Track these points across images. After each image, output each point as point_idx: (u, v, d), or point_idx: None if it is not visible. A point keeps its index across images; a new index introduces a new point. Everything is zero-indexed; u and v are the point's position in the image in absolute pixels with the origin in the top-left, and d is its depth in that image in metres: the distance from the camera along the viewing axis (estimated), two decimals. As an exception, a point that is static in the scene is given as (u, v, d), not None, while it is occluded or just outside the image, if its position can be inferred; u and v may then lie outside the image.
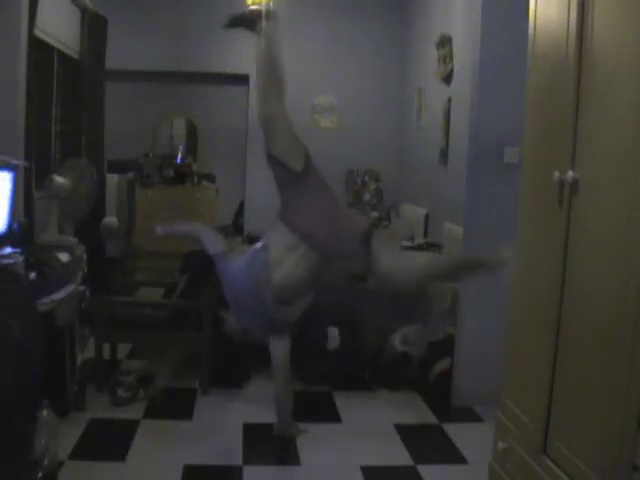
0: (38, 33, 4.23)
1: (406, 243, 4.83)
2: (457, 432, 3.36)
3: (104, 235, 5.07)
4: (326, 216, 3.13)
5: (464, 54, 4.28)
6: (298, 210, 3.14)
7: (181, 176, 6.21)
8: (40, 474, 2.47)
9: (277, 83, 3.17)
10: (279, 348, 3.22)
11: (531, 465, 2.19)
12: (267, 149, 3.15)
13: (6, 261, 3.07)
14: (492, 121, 3.48)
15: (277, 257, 3.07)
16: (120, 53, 5.75)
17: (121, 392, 3.51)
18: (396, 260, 3.22)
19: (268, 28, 3.21)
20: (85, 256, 3.92)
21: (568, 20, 2.06)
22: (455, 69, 4.70)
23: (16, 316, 2.52)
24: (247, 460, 3.00)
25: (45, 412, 2.61)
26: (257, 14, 5.43)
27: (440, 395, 3.73)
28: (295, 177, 3.12)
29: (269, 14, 3.24)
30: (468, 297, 3.64)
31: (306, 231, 3.08)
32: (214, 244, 3.33)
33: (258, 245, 3.17)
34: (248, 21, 3.29)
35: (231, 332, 3.49)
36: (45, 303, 2.94)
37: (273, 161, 3.15)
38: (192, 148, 6.70)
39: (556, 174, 2.07)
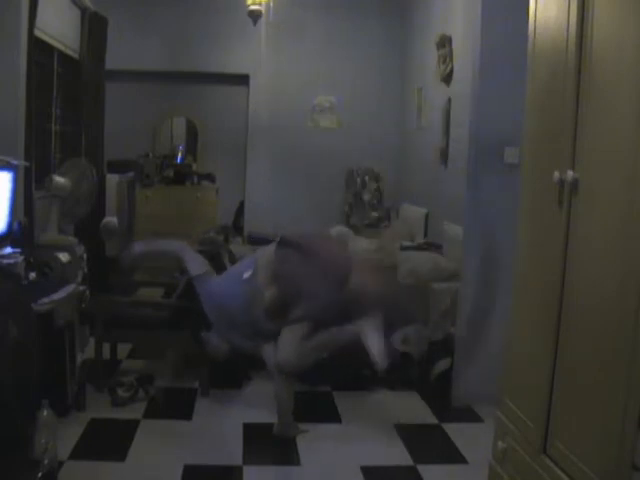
0: (38, 33, 4.23)
1: (406, 243, 4.84)
2: (457, 432, 3.35)
3: (104, 235, 5.07)
4: (307, 279, 3.15)
5: (464, 54, 4.28)
6: (291, 265, 3.20)
7: (181, 176, 6.21)
8: (40, 474, 2.48)
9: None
10: (272, 353, 3.23)
11: (531, 465, 2.19)
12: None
13: (6, 261, 3.08)
14: (492, 121, 3.48)
15: (265, 279, 3.17)
16: (120, 53, 5.76)
17: (121, 392, 3.50)
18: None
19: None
20: (85, 256, 3.92)
21: (568, 20, 2.06)
22: (455, 69, 4.70)
23: (14, 316, 2.52)
24: (247, 460, 3.00)
25: (45, 412, 2.61)
26: (257, 14, 5.45)
27: (440, 395, 3.73)
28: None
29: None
30: (468, 297, 3.64)
31: (283, 281, 3.16)
32: (196, 265, 3.39)
33: (247, 275, 3.21)
34: None
35: (214, 353, 3.51)
36: (45, 303, 2.94)
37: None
38: (192, 148, 6.71)
39: (556, 174, 2.07)
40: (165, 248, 3.56)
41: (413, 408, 3.67)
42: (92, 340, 3.78)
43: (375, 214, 5.97)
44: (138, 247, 3.52)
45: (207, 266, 3.45)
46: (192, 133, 6.76)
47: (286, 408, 3.23)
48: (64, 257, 3.58)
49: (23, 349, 2.55)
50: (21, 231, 3.55)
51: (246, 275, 3.24)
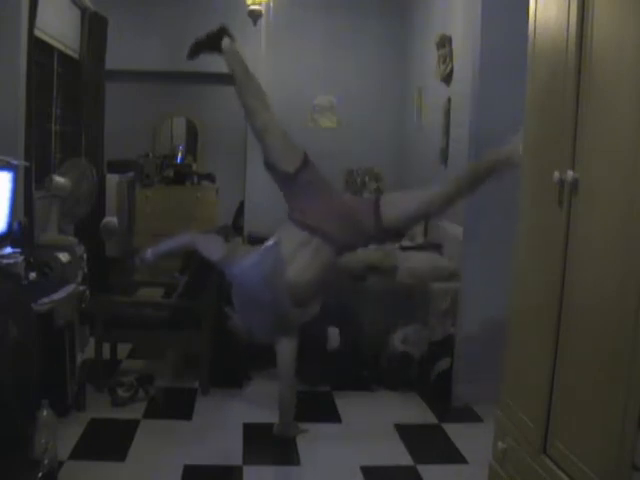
0: (38, 33, 4.23)
1: (406, 243, 4.84)
2: (457, 432, 3.35)
3: (104, 235, 5.07)
4: (330, 208, 3.19)
5: (464, 54, 4.28)
6: (302, 208, 3.21)
7: (181, 176, 6.22)
8: (40, 474, 2.48)
9: (257, 93, 3.35)
10: (287, 349, 3.21)
11: (531, 465, 2.19)
12: (264, 157, 3.30)
13: (6, 261, 3.08)
14: (492, 121, 3.48)
15: (290, 253, 3.07)
16: (120, 53, 5.75)
17: (121, 392, 3.50)
18: (401, 202, 3.25)
19: (226, 45, 3.44)
20: (85, 256, 3.93)
21: (568, 20, 2.06)
22: (455, 69, 4.70)
23: (14, 316, 2.53)
24: (247, 460, 3.00)
25: (45, 412, 2.61)
26: (257, 14, 5.45)
27: (440, 395, 3.72)
28: (290, 178, 3.23)
29: (225, 32, 3.45)
30: (468, 297, 3.64)
31: (315, 225, 3.12)
32: (214, 250, 3.30)
33: (270, 242, 3.14)
34: (211, 43, 3.44)
35: (235, 330, 3.49)
36: (45, 303, 2.94)
37: (270, 167, 3.29)
38: (192, 148, 6.71)
39: (556, 174, 2.07)
40: (175, 245, 3.50)
41: (413, 408, 3.67)
42: (92, 340, 3.78)
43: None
44: (150, 254, 3.44)
45: (224, 248, 3.37)
46: (192, 133, 6.76)
47: (289, 408, 3.23)
48: (64, 257, 3.58)
49: (23, 349, 2.55)
50: (21, 231, 3.55)
51: (268, 243, 3.11)
